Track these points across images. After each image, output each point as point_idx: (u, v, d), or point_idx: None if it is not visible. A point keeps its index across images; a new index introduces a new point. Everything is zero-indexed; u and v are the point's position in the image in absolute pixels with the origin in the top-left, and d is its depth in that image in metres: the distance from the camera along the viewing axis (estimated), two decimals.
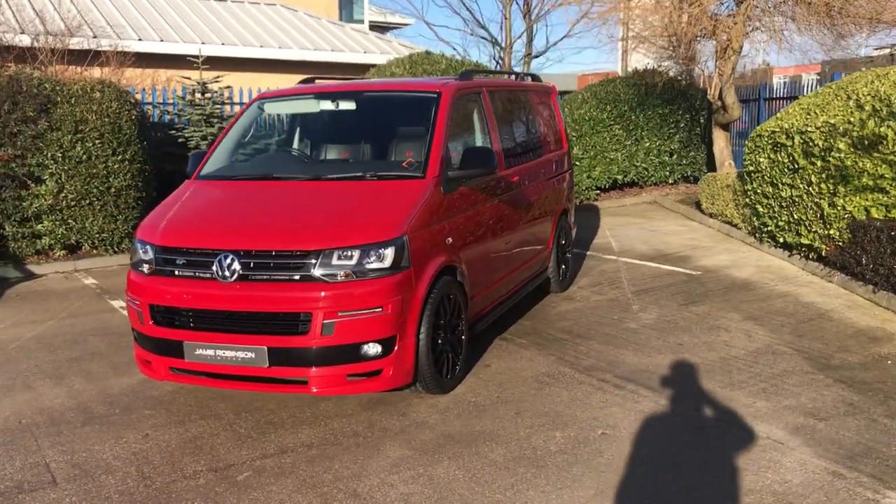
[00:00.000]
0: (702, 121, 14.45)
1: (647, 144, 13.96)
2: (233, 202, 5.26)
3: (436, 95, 5.54)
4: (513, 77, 8.72)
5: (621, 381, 5.18)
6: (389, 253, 4.49)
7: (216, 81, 11.49)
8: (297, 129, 6.55)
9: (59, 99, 9.27)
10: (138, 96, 11.33)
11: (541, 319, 6.71)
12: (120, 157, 9.54)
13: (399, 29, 28.56)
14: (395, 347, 4.53)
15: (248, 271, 4.46)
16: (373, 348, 4.45)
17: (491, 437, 4.38)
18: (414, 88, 6.07)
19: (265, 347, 4.37)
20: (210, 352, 4.46)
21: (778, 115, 8.84)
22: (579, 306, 7.10)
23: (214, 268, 4.49)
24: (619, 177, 13.89)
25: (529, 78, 8.09)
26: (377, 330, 4.44)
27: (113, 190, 9.52)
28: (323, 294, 4.34)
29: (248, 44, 15.74)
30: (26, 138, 9.00)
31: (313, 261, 4.41)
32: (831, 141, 7.34)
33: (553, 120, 7.86)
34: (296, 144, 6.52)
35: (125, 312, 6.92)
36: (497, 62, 18.71)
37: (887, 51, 16.43)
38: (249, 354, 4.40)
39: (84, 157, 9.30)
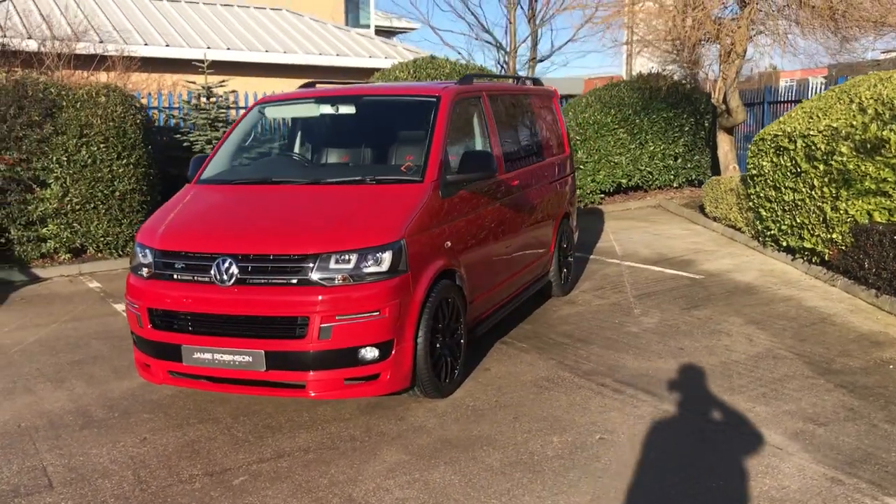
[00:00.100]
0: (706, 124, 14.41)
1: (652, 148, 13.93)
2: (232, 206, 5.27)
3: (435, 99, 5.55)
4: (514, 81, 8.72)
5: (621, 386, 5.16)
6: (387, 257, 4.50)
7: (221, 86, 11.55)
8: (298, 133, 6.56)
9: (64, 103, 9.31)
10: (144, 101, 11.39)
11: (542, 323, 6.69)
12: (125, 160, 9.59)
13: (405, 33, 28.66)
14: (393, 351, 4.53)
15: (246, 275, 4.47)
16: (370, 352, 4.45)
17: (488, 441, 4.37)
18: (413, 93, 6.10)
19: (263, 351, 4.38)
20: (208, 355, 4.47)
21: (781, 118, 8.81)
22: (581, 310, 7.08)
23: (212, 272, 4.50)
24: (624, 180, 13.87)
25: (531, 82, 8.09)
26: (374, 334, 4.44)
27: (118, 194, 9.57)
28: (320, 298, 4.35)
29: (253, 48, 15.79)
30: (32, 142, 9.05)
31: (311, 264, 4.41)
32: (834, 144, 7.31)
33: (555, 124, 7.85)
34: (296, 148, 6.54)
35: None
36: (502, 66, 18.72)
37: (894, 54, 16.36)
38: (247, 358, 4.40)
39: (89, 160, 9.35)
